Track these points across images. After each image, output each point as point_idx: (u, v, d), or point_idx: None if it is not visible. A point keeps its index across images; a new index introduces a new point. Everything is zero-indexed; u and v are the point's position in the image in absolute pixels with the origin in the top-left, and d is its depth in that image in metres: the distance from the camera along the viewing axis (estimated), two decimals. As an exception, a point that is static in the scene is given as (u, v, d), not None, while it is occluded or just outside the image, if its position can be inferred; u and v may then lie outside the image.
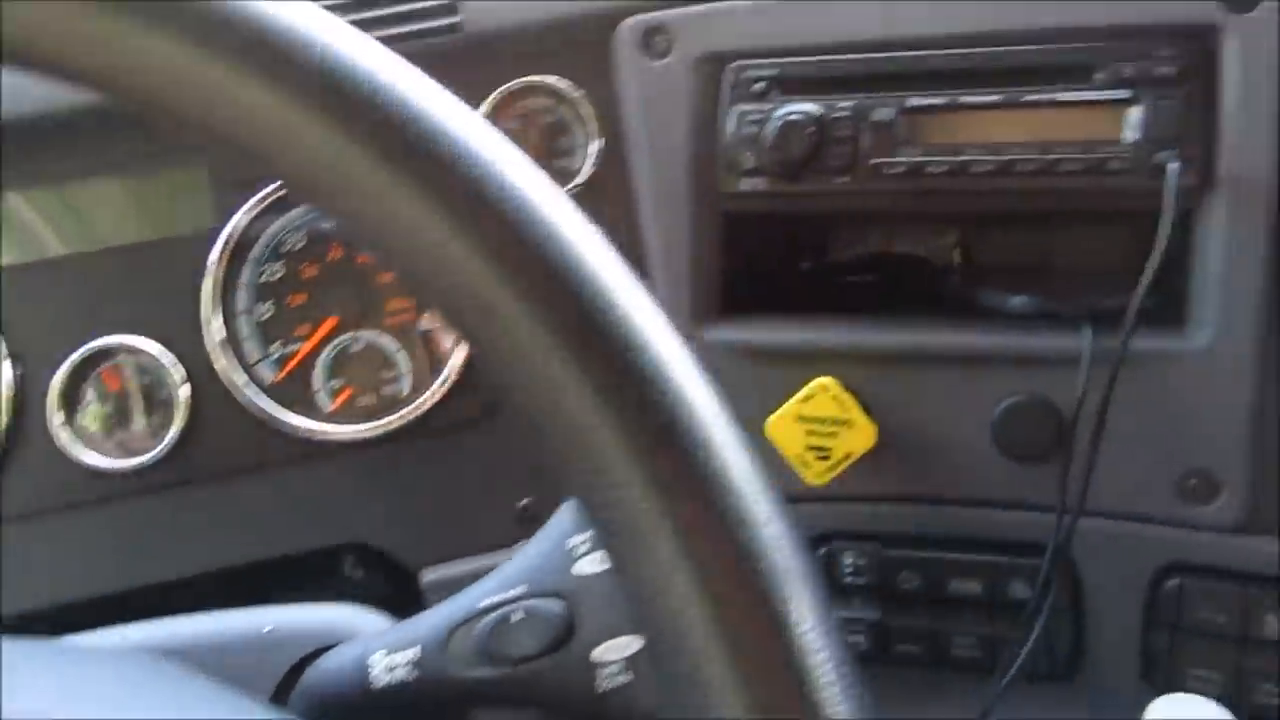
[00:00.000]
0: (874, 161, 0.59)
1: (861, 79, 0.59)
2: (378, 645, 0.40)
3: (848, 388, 0.61)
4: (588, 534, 0.39)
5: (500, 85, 0.63)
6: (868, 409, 0.62)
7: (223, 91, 0.23)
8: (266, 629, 0.43)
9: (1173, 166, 0.52)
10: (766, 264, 0.71)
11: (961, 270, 0.72)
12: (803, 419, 0.59)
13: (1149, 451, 0.58)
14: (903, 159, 0.58)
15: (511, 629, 0.40)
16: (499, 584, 0.41)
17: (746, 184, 0.61)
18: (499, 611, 0.40)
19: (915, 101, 0.58)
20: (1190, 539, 0.58)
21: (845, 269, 0.75)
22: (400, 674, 0.39)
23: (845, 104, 0.59)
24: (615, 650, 0.38)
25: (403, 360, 0.65)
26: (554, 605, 0.39)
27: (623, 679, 0.38)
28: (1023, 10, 0.57)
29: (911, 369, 0.61)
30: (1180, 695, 0.48)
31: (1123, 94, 0.55)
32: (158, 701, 0.31)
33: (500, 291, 0.24)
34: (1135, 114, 0.55)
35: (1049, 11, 0.56)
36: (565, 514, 0.41)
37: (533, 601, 0.40)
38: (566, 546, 0.40)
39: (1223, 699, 0.57)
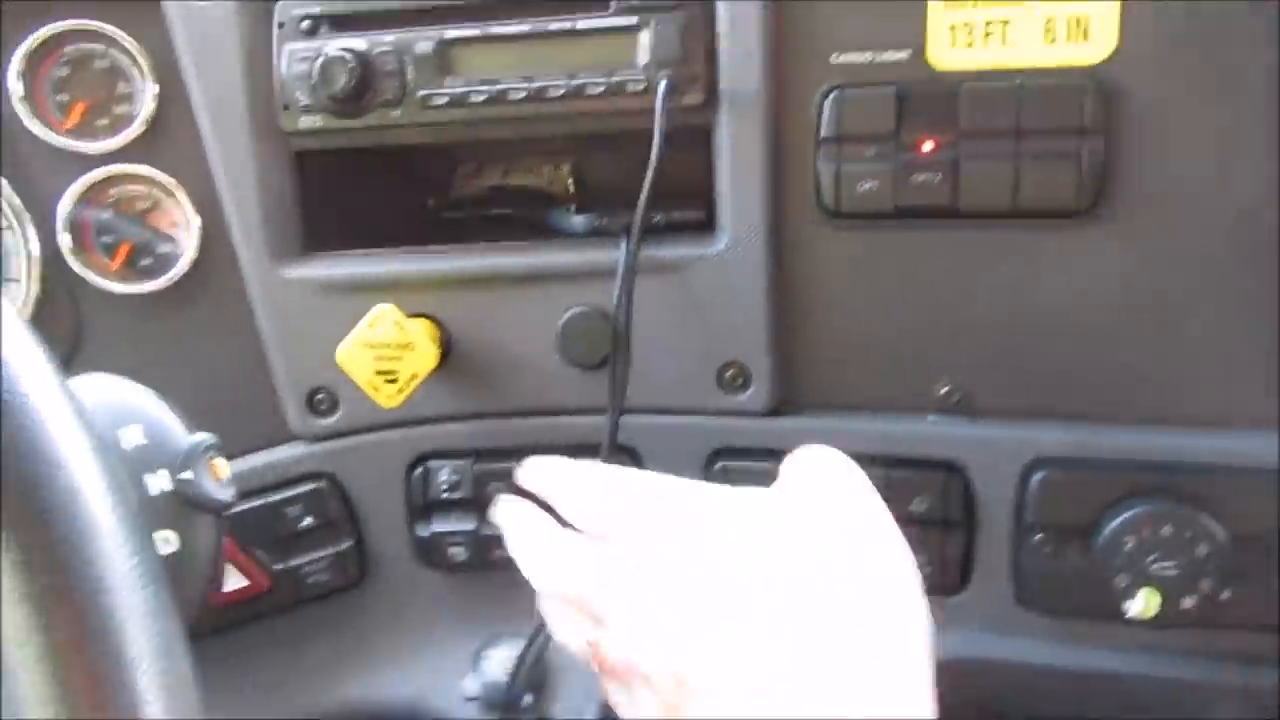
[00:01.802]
0: (420, 94, 0.61)
1: (400, 14, 0.61)
2: None
3: (419, 314, 0.64)
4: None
5: (36, 30, 0.62)
6: (444, 334, 0.65)
7: None
8: None
9: (662, 84, 0.57)
10: (383, 203, 0.72)
11: (575, 197, 0.76)
12: (368, 345, 0.61)
13: (690, 350, 0.64)
14: (446, 90, 0.61)
15: None
16: None
17: (305, 121, 0.63)
18: None
19: (453, 34, 0.61)
20: (733, 425, 0.65)
21: (466, 204, 0.77)
22: None
23: (388, 38, 0.61)
24: None
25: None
26: None
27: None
28: (541, -59, 0.60)
29: (480, 290, 0.65)
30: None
31: (632, 21, 0.59)
32: None
33: None
34: (644, 37, 0.59)
35: (566, -57, 0.60)
36: None
37: None
38: None
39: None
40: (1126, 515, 0.57)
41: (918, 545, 0.64)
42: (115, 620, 0.25)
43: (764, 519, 0.42)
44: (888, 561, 0.41)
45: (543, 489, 0.48)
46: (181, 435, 0.37)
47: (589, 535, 0.44)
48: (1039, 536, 0.60)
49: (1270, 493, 0.57)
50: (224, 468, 0.38)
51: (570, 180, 0.76)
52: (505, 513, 0.48)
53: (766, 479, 0.65)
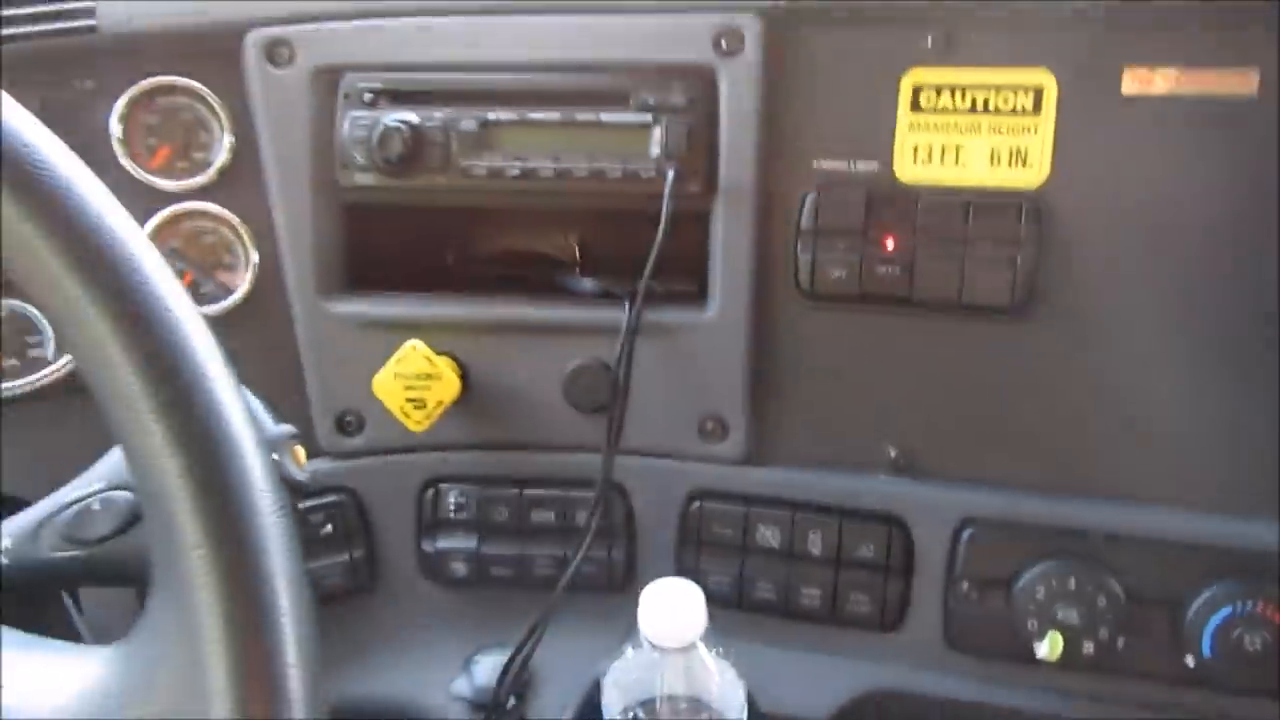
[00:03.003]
0: (463, 164, 0.71)
1: (451, 94, 0.71)
2: None
3: (444, 352, 0.73)
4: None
5: (137, 83, 0.72)
6: (463, 371, 0.74)
7: None
8: None
9: (669, 175, 0.67)
10: (414, 255, 0.81)
11: (581, 263, 0.86)
12: (399, 376, 0.70)
13: (677, 402, 0.73)
14: (484, 163, 0.71)
15: (91, 516, 0.48)
16: (81, 482, 0.50)
17: (360, 179, 0.72)
18: (80, 504, 0.49)
19: (494, 116, 0.71)
20: (710, 471, 0.74)
21: (483, 261, 0.87)
22: None
23: (438, 114, 0.71)
24: None
25: (46, 326, 0.72)
26: (126, 494, 0.48)
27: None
28: (576, 46, 0.70)
29: (498, 336, 0.74)
30: (666, 580, 0.62)
31: (647, 118, 0.70)
32: None
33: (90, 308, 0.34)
34: (657, 133, 0.69)
35: (596, 48, 0.70)
36: None
37: (109, 493, 0.49)
38: None
39: (728, 595, 0.74)
40: (1040, 568, 0.67)
41: (863, 587, 0.74)
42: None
43: None
44: None
45: None
46: (272, 424, 0.46)
47: None
48: (966, 585, 0.69)
49: (1165, 560, 0.66)
50: (302, 455, 0.47)
51: (577, 248, 0.86)
52: None
53: (736, 521, 0.74)
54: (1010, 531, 0.69)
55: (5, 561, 0.48)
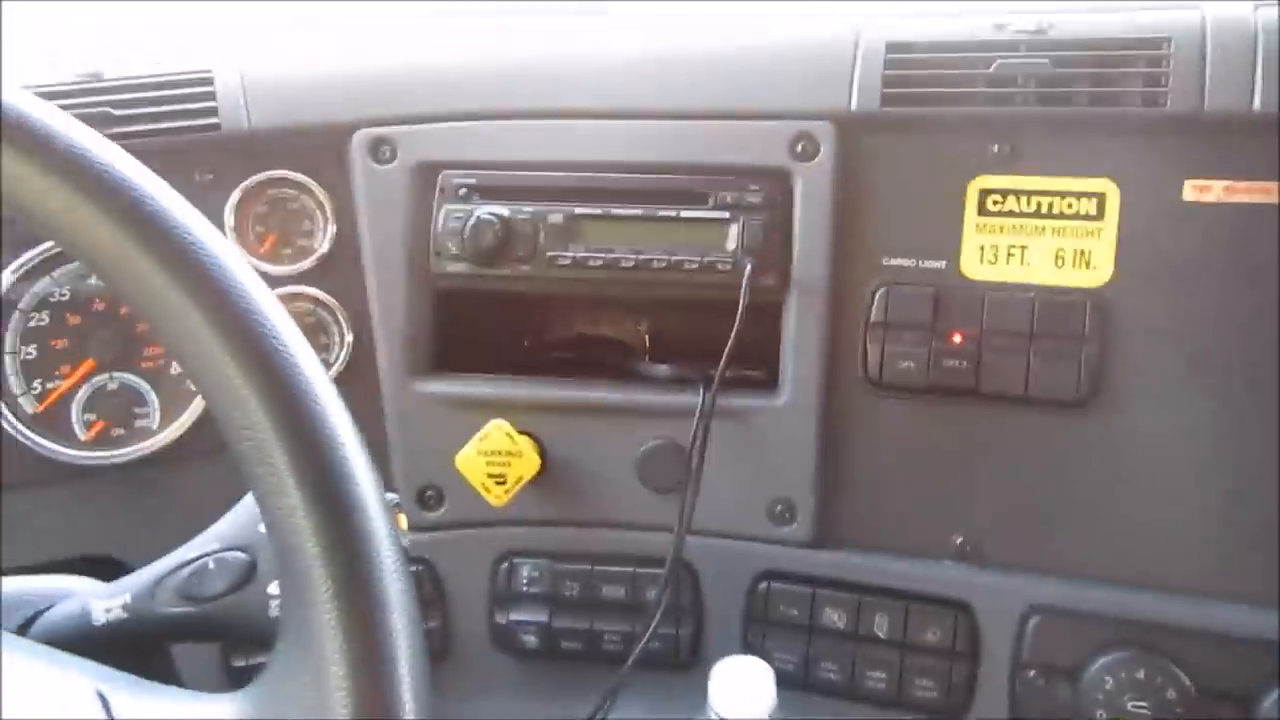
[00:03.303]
0: (549, 254, 0.76)
1: (541, 190, 0.76)
2: (97, 595, 0.52)
3: (525, 431, 0.77)
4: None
5: (252, 176, 0.77)
6: (541, 449, 0.77)
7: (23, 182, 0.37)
8: (-2, 590, 0.53)
9: (747, 268, 0.71)
10: (494, 338, 0.86)
11: (650, 348, 0.90)
12: (482, 453, 0.74)
13: (747, 485, 0.76)
14: (570, 254, 0.75)
15: (206, 574, 0.52)
16: (199, 543, 0.53)
17: (452, 267, 0.77)
18: (197, 563, 0.52)
19: (580, 210, 0.76)
20: (779, 552, 0.76)
21: (557, 346, 0.91)
22: (115, 614, 0.51)
23: (528, 209, 0.76)
24: None
25: (153, 398, 0.77)
26: (239, 555, 0.52)
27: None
28: (659, 148, 0.75)
29: (576, 417, 0.78)
30: (737, 657, 0.64)
31: (725, 215, 0.74)
32: None
33: (212, 338, 0.38)
34: (735, 230, 0.74)
35: (678, 151, 0.75)
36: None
37: (223, 554, 0.52)
38: (253, 512, 0.52)
39: (795, 676, 0.75)
40: (1107, 659, 0.68)
41: (928, 672, 0.75)
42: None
43: None
44: None
45: None
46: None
47: None
48: (1032, 672, 0.70)
49: (1235, 655, 0.67)
50: (404, 521, 0.50)
51: (647, 336, 0.90)
52: None
53: (803, 602, 0.76)
54: (1076, 621, 0.70)
55: (125, 615, 0.52)
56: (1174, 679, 0.66)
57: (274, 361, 0.39)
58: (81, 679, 0.41)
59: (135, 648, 0.52)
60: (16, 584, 0.54)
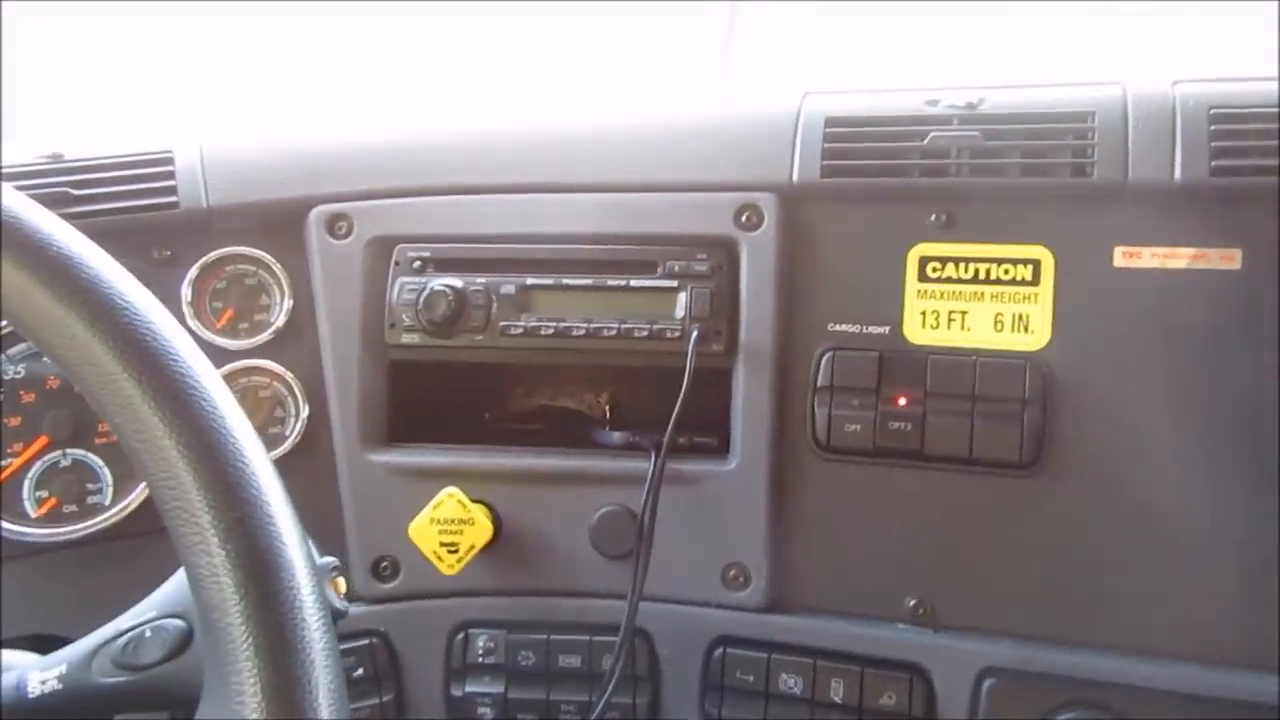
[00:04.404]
0: (502, 324, 0.77)
1: (493, 262, 0.78)
2: (33, 668, 0.51)
3: (479, 500, 0.77)
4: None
5: (209, 252, 0.79)
6: (496, 517, 0.78)
7: None
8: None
9: (693, 335, 0.73)
10: (456, 411, 0.86)
11: (611, 419, 0.91)
12: (435, 521, 0.74)
13: (700, 550, 0.76)
14: (522, 324, 0.77)
15: (142, 643, 0.51)
16: (136, 612, 0.53)
17: (406, 338, 0.78)
18: (133, 632, 0.52)
19: (532, 281, 0.77)
20: (734, 617, 0.76)
21: (519, 417, 0.92)
22: (51, 685, 0.50)
23: (481, 280, 0.77)
24: None
25: (106, 474, 0.77)
26: (177, 623, 0.52)
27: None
28: (609, 220, 0.77)
29: (530, 485, 0.78)
30: None
31: (673, 284, 0.75)
32: None
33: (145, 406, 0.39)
34: (682, 298, 0.75)
35: (628, 222, 0.77)
36: None
37: (160, 621, 0.52)
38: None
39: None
40: (1063, 718, 0.68)
41: (885, 737, 0.74)
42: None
43: None
44: None
45: None
46: (317, 555, 0.49)
47: None
48: (988, 735, 0.70)
49: (1185, 713, 0.67)
50: (342, 585, 0.50)
51: (606, 405, 0.91)
52: None
53: (759, 667, 0.76)
54: (1031, 681, 0.70)
55: (60, 686, 0.51)
56: (1126, 740, 0.67)
57: (202, 420, 0.40)
58: None
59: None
60: (-49, 660, 0.53)
